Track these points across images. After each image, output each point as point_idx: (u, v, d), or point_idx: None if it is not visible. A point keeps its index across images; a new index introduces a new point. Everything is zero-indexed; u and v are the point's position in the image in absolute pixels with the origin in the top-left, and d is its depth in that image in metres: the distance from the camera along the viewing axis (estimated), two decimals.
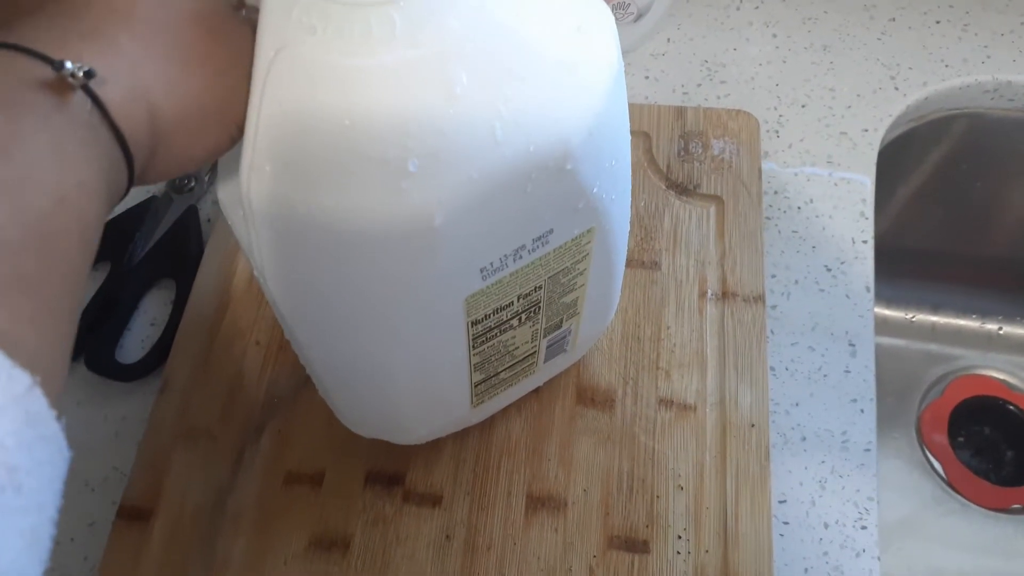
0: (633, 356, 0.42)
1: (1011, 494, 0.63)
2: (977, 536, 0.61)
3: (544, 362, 0.37)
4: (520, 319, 0.31)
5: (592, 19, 0.26)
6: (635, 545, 0.37)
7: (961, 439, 0.65)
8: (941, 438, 0.65)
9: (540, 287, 0.30)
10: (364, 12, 0.21)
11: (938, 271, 0.67)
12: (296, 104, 0.22)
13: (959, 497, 0.62)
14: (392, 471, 0.39)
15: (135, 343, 0.45)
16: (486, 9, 0.22)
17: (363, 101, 0.22)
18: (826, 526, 0.39)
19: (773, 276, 0.45)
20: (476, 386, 0.34)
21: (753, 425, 0.40)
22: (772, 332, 0.43)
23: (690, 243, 0.45)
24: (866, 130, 0.50)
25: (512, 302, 0.30)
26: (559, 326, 0.34)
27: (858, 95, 0.51)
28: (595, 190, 0.27)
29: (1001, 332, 0.68)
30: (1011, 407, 0.66)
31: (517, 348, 0.33)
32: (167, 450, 0.40)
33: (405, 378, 0.31)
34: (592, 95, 0.25)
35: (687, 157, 0.47)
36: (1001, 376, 0.67)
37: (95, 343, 0.44)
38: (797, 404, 0.42)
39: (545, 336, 0.34)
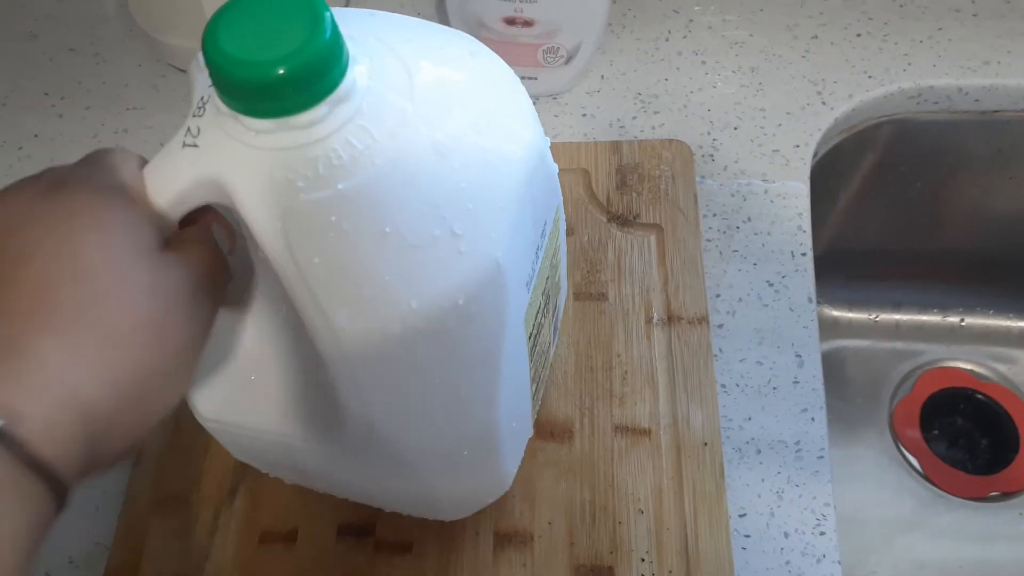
0: (587, 386, 0.43)
1: (988, 482, 0.64)
2: (957, 526, 0.62)
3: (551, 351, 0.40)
4: (543, 314, 0.34)
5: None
6: (601, 572, 0.38)
7: (935, 432, 0.67)
8: (914, 433, 0.66)
9: (548, 276, 0.34)
10: (285, 153, 0.23)
11: (895, 270, 0.69)
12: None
13: (937, 490, 0.63)
14: (362, 522, 0.41)
15: None
16: (406, 147, 0.24)
17: (296, 244, 0.24)
18: (786, 535, 0.40)
19: (718, 296, 0.46)
20: (532, 397, 0.37)
21: (706, 444, 0.41)
22: (720, 350, 0.45)
23: (634, 272, 0.46)
24: (797, 146, 0.52)
25: (539, 301, 0.33)
26: (556, 307, 0.38)
27: (788, 113, 0.53)
28: (554, 185, 0.32)
29: (963, 324, 0.69)
30: (980, 396, 0.67)
31: (543, 344, 0.36)
32: (144, 521, 0.42)
33: (505, 425, 0.32)
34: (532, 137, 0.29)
35: (625, 189, 0.49)
36: (968, 366, 0.68)
37: None
38: (750, 418, 0.43)
39: (550, 323, 0.37)
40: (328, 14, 0.22)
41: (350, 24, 0.25)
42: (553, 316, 0.38)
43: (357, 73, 0.23)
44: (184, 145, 0.24)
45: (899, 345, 0.69)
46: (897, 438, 0.66)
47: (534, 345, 0.33)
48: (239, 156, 0.23)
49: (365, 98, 0.23)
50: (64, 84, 0.58)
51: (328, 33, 0.21)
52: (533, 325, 0.32)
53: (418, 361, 0.26)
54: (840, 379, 0.68)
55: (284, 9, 0.21)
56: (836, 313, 0.70)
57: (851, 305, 0.70)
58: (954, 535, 0.62)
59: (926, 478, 0.64)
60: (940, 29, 0.56)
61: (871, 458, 0.65)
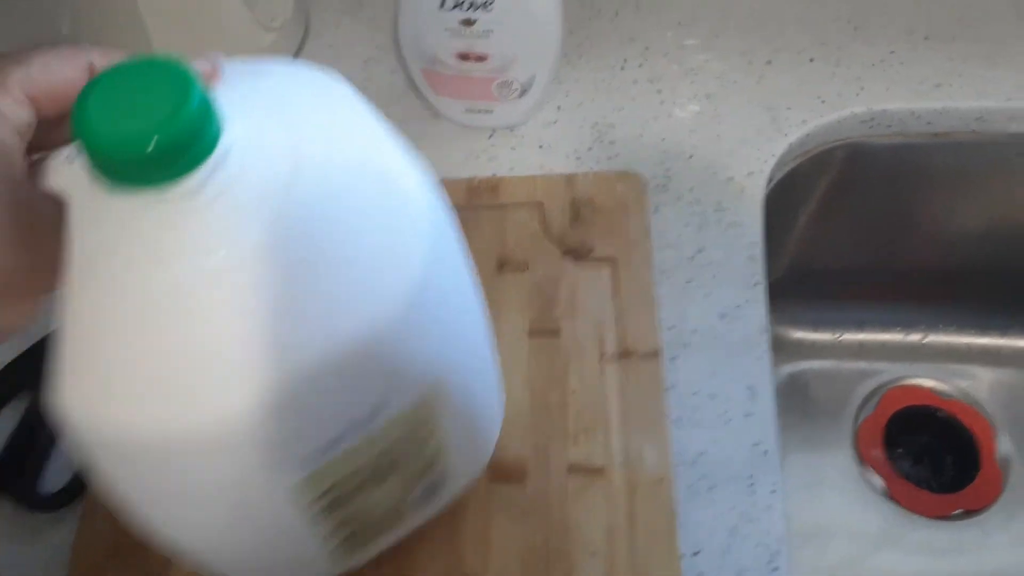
0: (542, 425, 0.43)
1: (952, 500, 0.64)
2: (922, 546, 0.62)
3: (420, 507, 0.36)
4: (374, 482, 0.31)
5: (404, 193, 0.27)
6: None
7: (899, 451, 0.67)
8: (879, 452, 0.66)
9: (385, 453, 0.30)
10: (148, 226, 0.22)
11: (857, 290, 0.69)
12: (98, 305, 0.23)
13: (902, 509, 0.64)
14: None
15: (60, 471, 0.46)
16: (279, 220, 0.23)
17: (151, 321, 0.23)
18: (740, 573, 0.40)
19: (671, 328, 0.46)
20: (340, 545, 0.33)
21: (658, 481, 0.41)
22: (673, 384, 0.45)
23: (588, 307, 0.46)
24: (751, 173, 0.52)
25: (356, 470, 0.30)
26: (425, 473, 0.34)
27: (742, 139, 0.53)
28: (423, 363, 0.28)
29: (925, 341, 0.70)
30: (942, 413, 0.67)
31: (381, 504, 0.33)
32: (99, 573, 0.41)
33: (244, 562, 0.31)
34: (405, 271, 0.25)
35: (580, 223, 0.49)
36: (930, 383, 0.69)
37: (18, 476, 0.45)
38: (703, 453, 0.43)
39: (414, 488, 0.34)
40: (198, 87, 0.21)
41: (233, 87, 0.25)
42: (424, 479, 0.34)
43: (230, 145, 0.23)
44: (66, 159, 0.24)
45: (862, 364, 0.70)
46: (862, 458, 0.66)
47: (337, 507, 0.30)
48: (101, 208, 0.23)
49: (236, 173, 0.23)
50: None
51: (194, 106, 0.21)
52: (331, 489, 0.29)
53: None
54: (804, 400, 0.68)
55: (156, 80, 0.21)
56: (800, 334, 0.70)
57: (815, 326, 0.70)
58: (919, 555, 0.62)
59: (891, 498, 0.64)
60: (892, 52, 0.56)
61: (836, 479, 0.65)
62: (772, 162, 0.52)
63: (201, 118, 0.21)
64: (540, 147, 0.54)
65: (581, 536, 0.40)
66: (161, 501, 0.27)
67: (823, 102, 0.55)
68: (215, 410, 0.23)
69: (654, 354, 0.44)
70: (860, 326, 0.70)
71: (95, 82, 0.21)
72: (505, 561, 0.40)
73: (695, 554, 0.40)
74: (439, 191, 0.29)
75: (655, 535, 0.40)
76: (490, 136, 0.55)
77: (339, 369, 0.24)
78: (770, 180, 0.53)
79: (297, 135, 0.24)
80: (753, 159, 0.53)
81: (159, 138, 0.21)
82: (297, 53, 0.59)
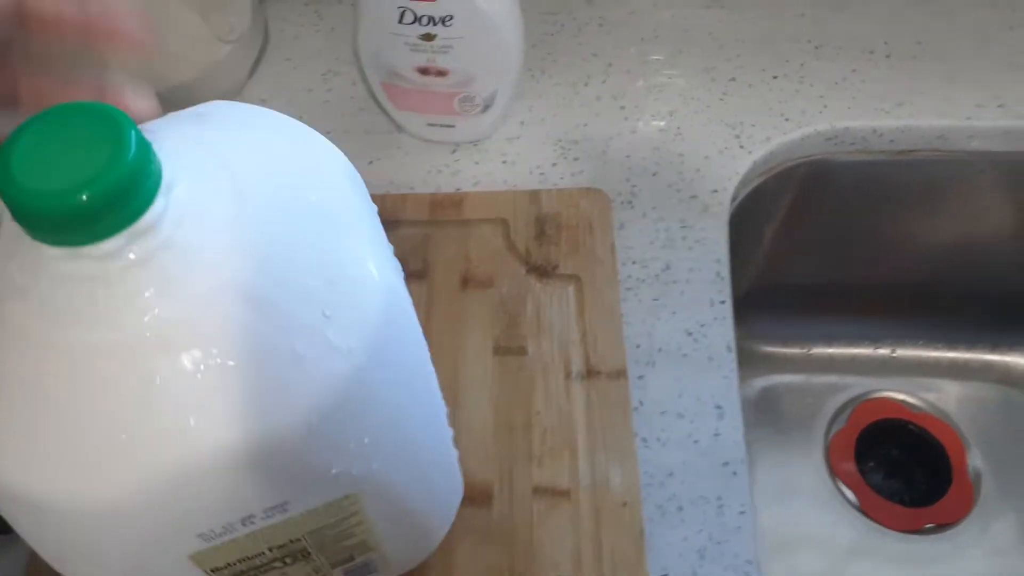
0: (506, 447, 0.42)
1: (922, 514, 0.64)
2: (895, 559, 0.62)
3: None
4: (285, 562, 0.29)
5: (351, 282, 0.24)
6: None
7: (871, 464, 0.67)
8: (850, 466, 0.66)
9: (297, 539, 0.28)
10: (68, 286, 0.21)
11: (826, 305, 0.69)
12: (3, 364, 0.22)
13: (873, 524, 0.63)
14: None
15: None
16: (207, 296, 0.21)
17: (56, 384, 0.21)
18: None
19: (637, 346, 0.46)
20: None
21: (625, 504, 0.40)
22: (641, 403, 0.44)
23: (553, 325, 0.46)
24: (715, 191, 0.52)
25: (263, 552, 0.28)
26: (350, 559, 0.32)
27: (706, 157, 0.53)
28: (347, 462, 0.25)
29: (895, 355, 0.70)
30: (912, 427, 0.67)
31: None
32: None
33: None
34: (338, 362, 0.23)
35: (544, 240, 0.48)
36: (901, 396, 0.69)
37: None
38: (671, 474, 0.42)
39: (335, 568, 0.32)
40: (133, 136, 0.19)
41: (174, 136, 0.22)
42: (348, 564, 0.32)
43: (170, 200, 0.21)
44: None
45: (833, 378, 0.70)
46: (833, 472, 0.66)
47: None
48: (27, 259, 0.21)
49: (176, 231, 0.21)
50: None
51: (130, 158, 0.19)
52: (233, 564, 0.27)
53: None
54: (776, 414, 0.68)
55: (89, 129, 0.19)
56: (770, 348, 0.70)
57: (784, 340, 0.70)
58: (891, 568, 0.62)
59: (863, 512, 0.64)
60: (854, 71, 0.57)
61: (808, 492, 0.65)
62: (736, 180, 0.52)
63: (136, 172, 0.20)
64: (504, 162, 0.54)
65: (547, 559, 0.39)
66: (66, 554, 0.26)
67: (787, 120, 0.55)
68: (106, 484, 0.22)
69: (621, 373, 0.44)
70: (829, 340, 0.70)
71: (21, 129, 0.20)
72: None
73: None
74: (392, 263, 0.26)
75: (623, 558, 0.39)
76: (453, 151, 0.54)
77: (241, 462, 0.23)
78: (734, 198, 0.52)
79: (240, 198, 0.22)
80: (718, 176, 0.52)
81: (87, 196, 0.19)
82: (255, 65, 0.58)
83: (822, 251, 0.64)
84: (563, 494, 0.41)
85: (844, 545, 0.63)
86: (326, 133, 0.27)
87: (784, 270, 0.64)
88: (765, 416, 0.68)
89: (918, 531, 0.63)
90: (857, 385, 0.69)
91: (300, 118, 0.27)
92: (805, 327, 0.70)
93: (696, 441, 0.43)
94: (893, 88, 0.56)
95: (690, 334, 0.46)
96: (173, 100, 0.54)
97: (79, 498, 0.22)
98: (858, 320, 0.70)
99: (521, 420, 0.43)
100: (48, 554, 0.26)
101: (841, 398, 0.69)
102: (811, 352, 0.70)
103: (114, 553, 0.25)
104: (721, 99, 0.56)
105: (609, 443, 0.42)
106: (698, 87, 0.57)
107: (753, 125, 0.54)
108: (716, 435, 0.43)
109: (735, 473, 0.42)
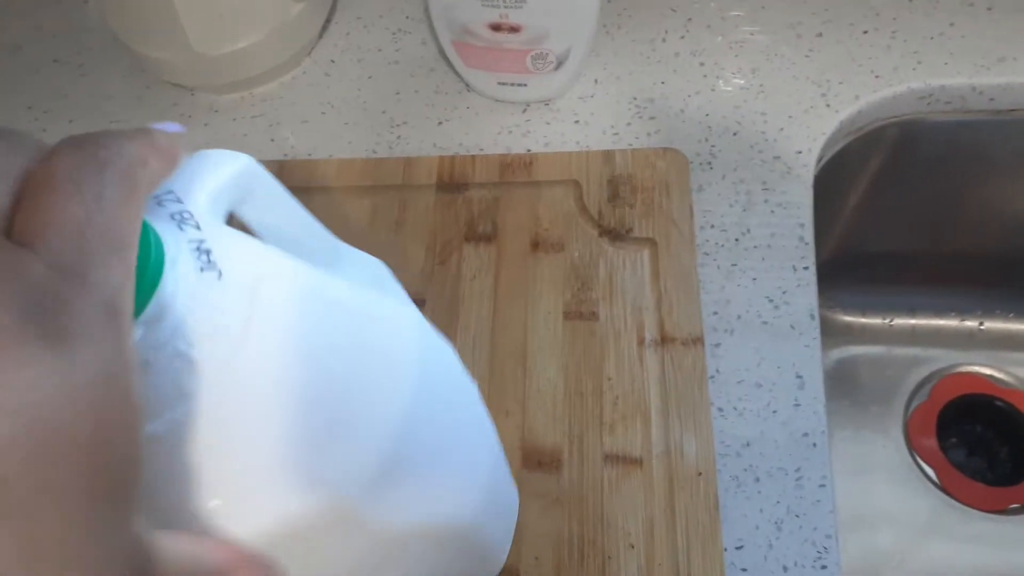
0: (576, 413, 0.42)
1: (1007, 494, 0.61)
2: (974, 540, 0.60)
3: None
4: None
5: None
6: None
7: (953, 441, 0.64)
8: (931, 442, 0.63)
9: None
10: None
11: (910, 274, 0.66)
12: None
13: (954, 502, 0.61)
14: None
15: None
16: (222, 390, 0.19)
17: None
18: (785, 569, 0.38)
19: (715, 313, 0.44)
20: None
21: (700, 473, 0.39)
22: (717, 371, 0.43)
23: (626, 290, 0.44)
24: (799, 152, 0.49)
25: None
26: None
27: (790, 116, 0.51)
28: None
29: (982, 327, 0.67)
30: (999, 403, 0.64)
31: None
32: None
33: None
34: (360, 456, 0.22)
35: (618, 202, 0.47)
36: (987, 371, 0.66)
37: None
38: (748, 444, 0.41)
39: None
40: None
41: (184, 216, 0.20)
42: None
43: (178, 285, 0.19)
44: None
45: (915, 351, 0.67)
46: (912, 448, 0.63)
47: None
48: None
49: (185, 318, 0.19)
50: (48, 97, 0.57)
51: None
52: None
53: None
54: (854, 386, 0.66)
55: None
56: (849, 318, 0.68)
57: (864, 310, 0.67)
58: (971, 549, 0.59)
59: (942, 489, 0.61)
60: (952, 25, 0.53)
61: (885, 468, 0.63)
62: (822, 140, 0.50)
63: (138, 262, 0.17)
64: (576, 122, 0.52)
65: (619, 527, 0.38)
66: None
67: (877, 77, 0.52)
68: None
69: (697, 340, 0.42)
70: (912, 311, 0.67)
71: None
72: (538, 550, 0.38)
73: (738, 548, 0.38)
74: (427, 330, 0.25)
75: (697, 528, 0.38)
76: (524, 110, 0.53)
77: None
78: (820, 159, 0.50)
79: (255, 280, 0.20)
80: (802, 137, 0.50)
81: None
82: (325, 24, 0.57)
83: (909, 217, 0.61)
84: (635, 462, 0.40)
85: (922, 523, 0.61)
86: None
87: (867, 236, 0.61)
88: (842, 388, 0.66)
89: (1002, 511, 0.61)
90: (941, 358, 0.66)
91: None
92: (887, 296, 0.67)
93: (775, 411, 0.42)
94: (994, 43, 0.52)
95: (771, 301, 0.44)
96: (243, 59, 0.54)
97: None
98: (943, 290, 0.66)
99: (592, 386, 0.42)
100: None
101: (923, 371, 0.66)
102: (893, 323, 0.67)
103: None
104: (807, 56, 0.53)
105: (684, 412, 0.41)
106: (782, 43, 0.54)
107: (840, 83, 0.52)
108: (796, 405, 0.42)
109: (815, 444, 0.41)
